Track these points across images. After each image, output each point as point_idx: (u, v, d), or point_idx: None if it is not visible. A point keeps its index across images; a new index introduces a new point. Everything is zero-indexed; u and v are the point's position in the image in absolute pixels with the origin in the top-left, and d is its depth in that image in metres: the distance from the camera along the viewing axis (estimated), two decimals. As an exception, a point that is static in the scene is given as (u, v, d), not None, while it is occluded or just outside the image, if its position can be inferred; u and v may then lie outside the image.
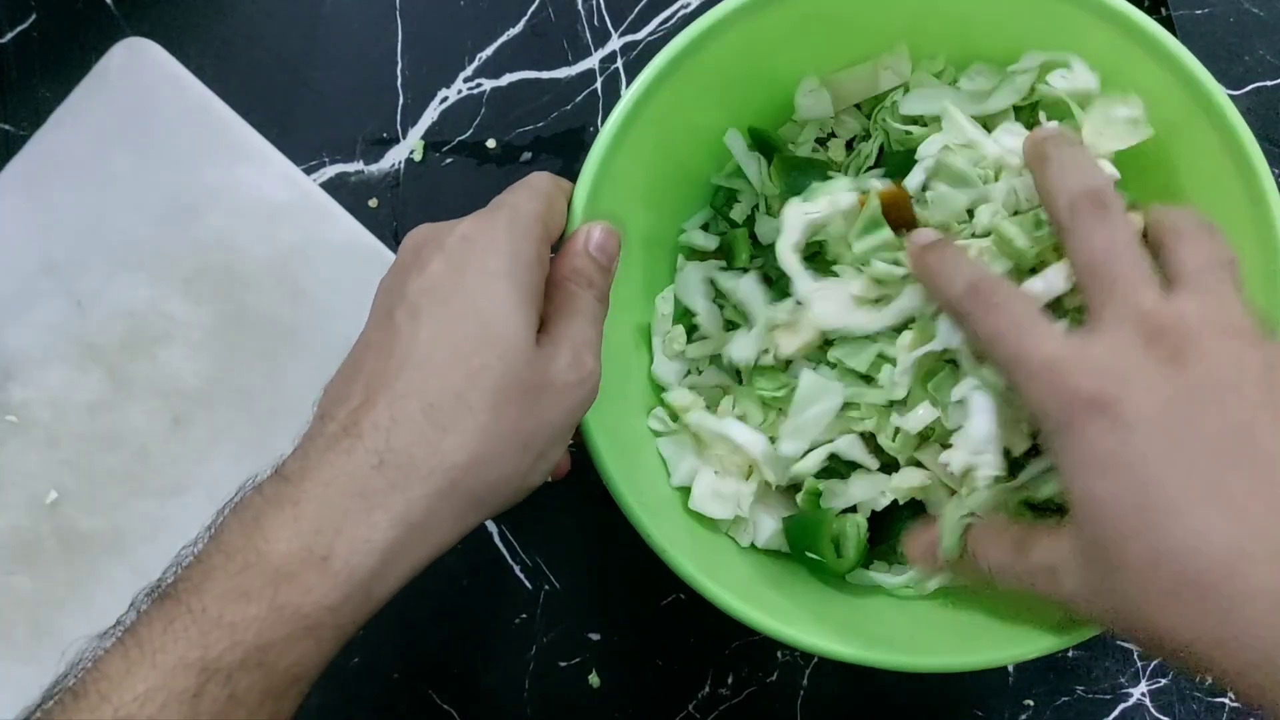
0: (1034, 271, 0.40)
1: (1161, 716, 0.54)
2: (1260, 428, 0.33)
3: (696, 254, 0.51)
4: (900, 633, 0.45)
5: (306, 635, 0.33)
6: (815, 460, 0.45)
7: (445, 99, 0.56)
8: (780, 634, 0.43)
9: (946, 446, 0.42)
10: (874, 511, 0.46)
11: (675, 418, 0.48)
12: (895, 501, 0.45)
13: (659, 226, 0.49)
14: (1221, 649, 0.32)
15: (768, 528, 0.47)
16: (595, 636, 0.54)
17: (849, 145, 0.50)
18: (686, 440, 0.48)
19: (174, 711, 0.32)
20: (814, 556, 0.46)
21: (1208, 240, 0.37)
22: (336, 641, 0.34)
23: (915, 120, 0.48)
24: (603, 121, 0.55)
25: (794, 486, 0.47)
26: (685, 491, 0.47)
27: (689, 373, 0.50)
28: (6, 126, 0.56)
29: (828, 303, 0.43)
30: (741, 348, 0.47)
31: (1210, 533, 0.32)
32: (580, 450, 0.44)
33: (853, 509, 0.47)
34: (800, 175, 0.47)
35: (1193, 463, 0.32)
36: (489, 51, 0.56)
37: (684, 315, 0.50)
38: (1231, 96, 0.55)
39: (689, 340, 0.49)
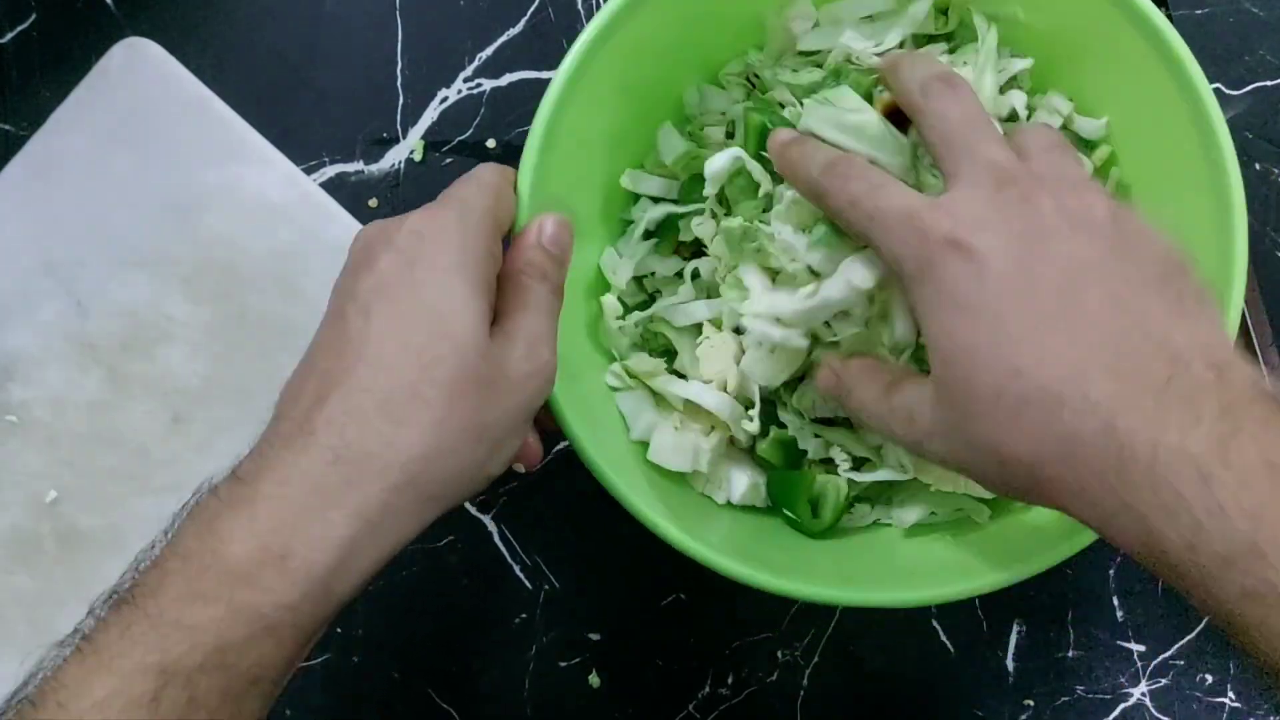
0: None
1: (1161, 716, 0.54)
2: (1105, 266, 0.34)
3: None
4: (885, 572, 0.46)
5: (266, 635, 0.33)
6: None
7: (445, 99, 0.56)
8: (758, 582, 0.43)
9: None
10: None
11: (632, 374, 0.49)
12: None
13: (612, 194, 0.50)
14: (1061, 465, 0.32)
15: (741, 483, 0.48)
16: (595, 636, 0.54)
17: None
18: (644, 396, 0.48)
19: (133, 715, 0.31)
20: (790, 515, 0.47)
21: (1047, 130, 0.39)
22: (297, 641, 0.34)
23: (813, 55, 0.49)
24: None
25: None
26: (645, 445, 0.47)
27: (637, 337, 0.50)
28: (6, 126, 0.56)
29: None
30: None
31: (1051, 357, 0.32)
32: (567, 448, 0.44)
33: (834, 470, 0.47)
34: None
35: (1041, 298, 0.33)
36: (489, 51, 0.56)
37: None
38: (1231, 96, 0.55)
39: (631, 309, 0.49)
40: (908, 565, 0.46)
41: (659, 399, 0.48)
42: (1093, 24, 0.45)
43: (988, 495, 0.47)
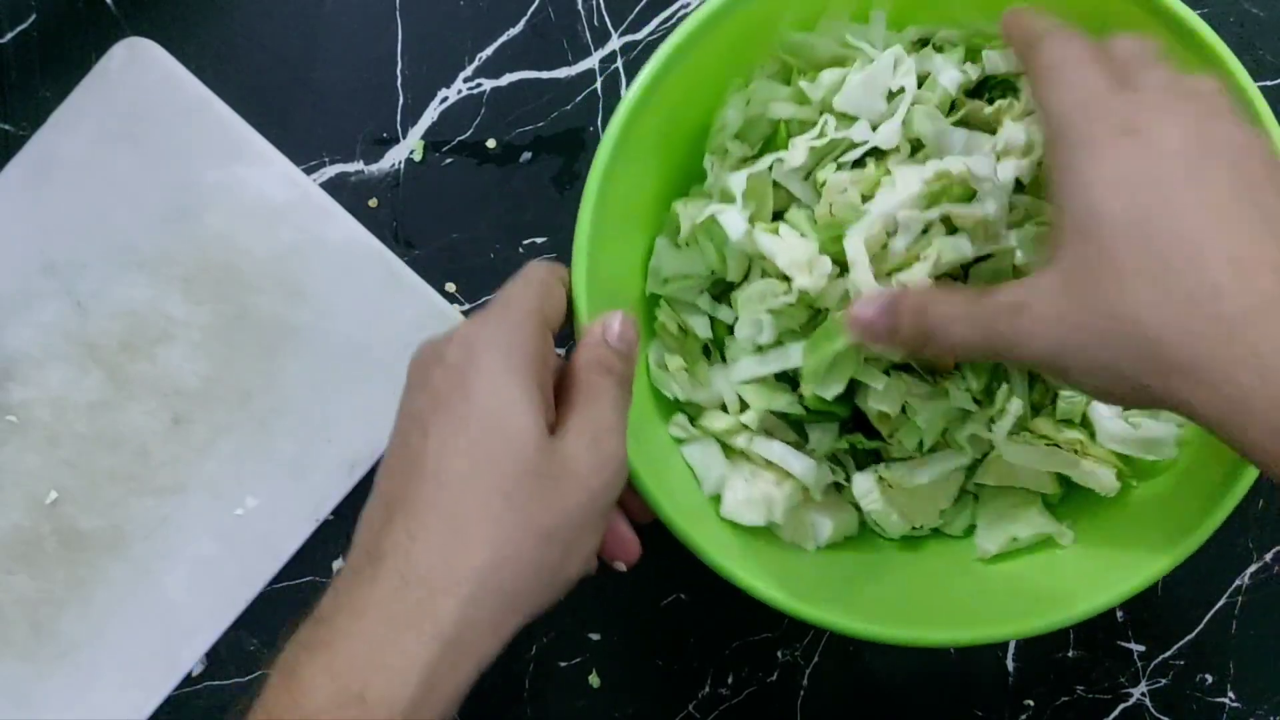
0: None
1: (1161, 716, 0.54)
2: (1263, 155, 0.35)
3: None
4: (975, 606, 0.46)
5: None
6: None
7: (445, 99, 0.56)
8: (850, 630, 0.43)
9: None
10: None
11: (694, 420, 0.48)
12: None
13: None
14: (1219, 356, 0.32)
15: (826, 528, 0.47)
16: (595, 636, 0.54)
17: None
18: (712, 446, 0.48)
19: None
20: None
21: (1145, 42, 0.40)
22: None
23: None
24: (603, 123, 0.55)
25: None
26: (718, 499, 0.47)
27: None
28: (6, 126, 0.56)
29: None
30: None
31: (1220, 247, 0.33)
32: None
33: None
34: None
35: (1208, 190, 0.34)
36: (489, 51, 0.56)
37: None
38: (1231, 96, 0.55)
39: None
40: (994, 598, 0.46)
41: (727, 446, 0.48)
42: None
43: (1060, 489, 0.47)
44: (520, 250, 0.55)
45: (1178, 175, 0.34)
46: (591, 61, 0.56)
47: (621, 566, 0.42)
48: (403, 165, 0.56)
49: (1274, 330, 0.31)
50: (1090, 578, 0.45)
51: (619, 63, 0.56)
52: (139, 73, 0.55)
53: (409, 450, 0.37)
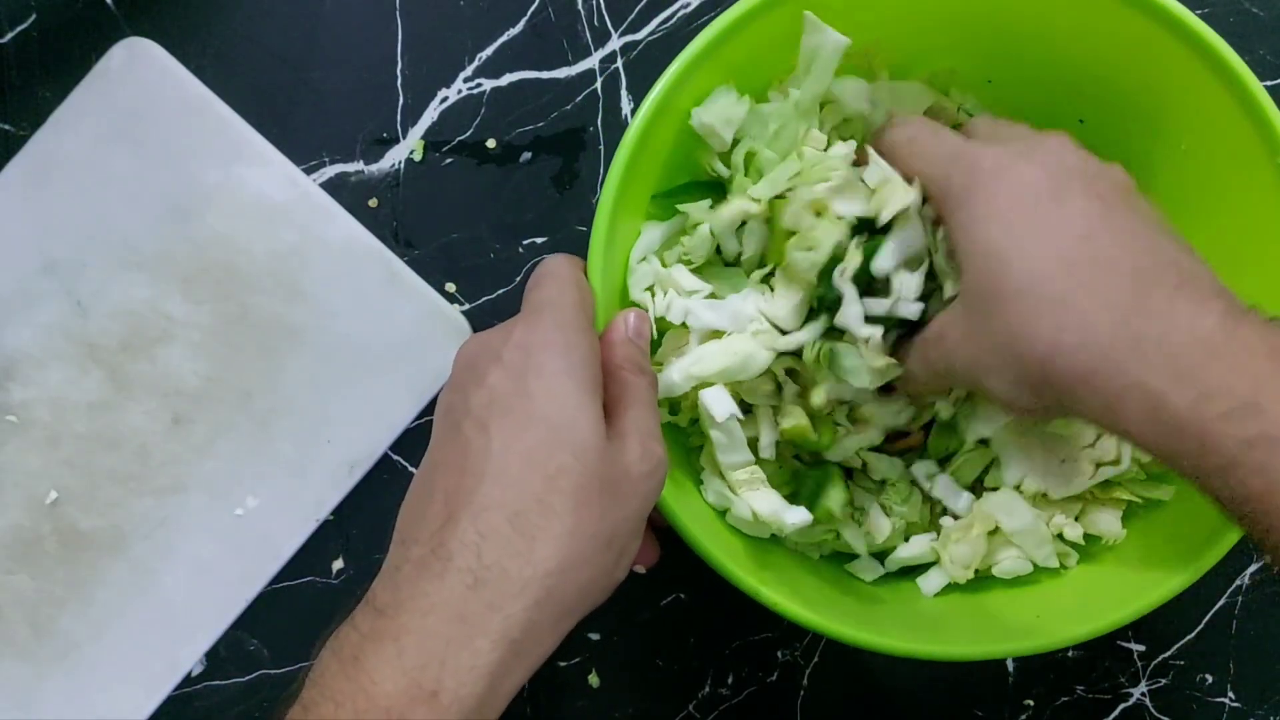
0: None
1: (1161, 716, 0.54)
2: (1127, 203, 0.38)
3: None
4: (981, 625, 0.47)
5: None
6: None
7: (445, 99, 0.56)
8: (861, 641, 0.43)
9: None
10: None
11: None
12: None
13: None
14: (1076, 353, 0.35)
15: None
16: (595, 636, 0.54)
17: None
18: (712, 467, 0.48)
19: None
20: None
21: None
22: None
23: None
24: (603, 123, 0.55)
25: None
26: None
27: None
28: (6, 126, 0.56)
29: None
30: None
31: (1077, 267, 0.36)
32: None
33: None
34: None
35: (1071, 219, 0.37)
36: (489, 51, 0.56)
37: None
38: (1232, 96, 0.55)
39: None
40: (1000, 613, 0.47)
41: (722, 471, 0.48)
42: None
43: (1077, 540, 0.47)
44: (520, 250, 0.55)
45: (1041, 200, 0.37)
46: (591, 61, 0.56)
47: (641, 569, 0.42)
48: (403, 165, 0.56)
49: (1148, 346, 0.34)
50: (1099, 597, 0.45)
51: (619, 63, 0.56)
52: (139, 73, 0.55)
53: (468, 448, 0.36)
